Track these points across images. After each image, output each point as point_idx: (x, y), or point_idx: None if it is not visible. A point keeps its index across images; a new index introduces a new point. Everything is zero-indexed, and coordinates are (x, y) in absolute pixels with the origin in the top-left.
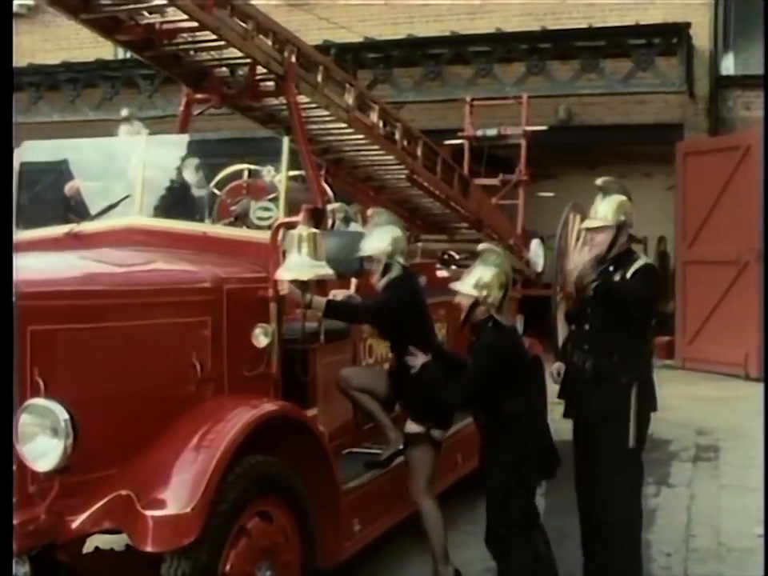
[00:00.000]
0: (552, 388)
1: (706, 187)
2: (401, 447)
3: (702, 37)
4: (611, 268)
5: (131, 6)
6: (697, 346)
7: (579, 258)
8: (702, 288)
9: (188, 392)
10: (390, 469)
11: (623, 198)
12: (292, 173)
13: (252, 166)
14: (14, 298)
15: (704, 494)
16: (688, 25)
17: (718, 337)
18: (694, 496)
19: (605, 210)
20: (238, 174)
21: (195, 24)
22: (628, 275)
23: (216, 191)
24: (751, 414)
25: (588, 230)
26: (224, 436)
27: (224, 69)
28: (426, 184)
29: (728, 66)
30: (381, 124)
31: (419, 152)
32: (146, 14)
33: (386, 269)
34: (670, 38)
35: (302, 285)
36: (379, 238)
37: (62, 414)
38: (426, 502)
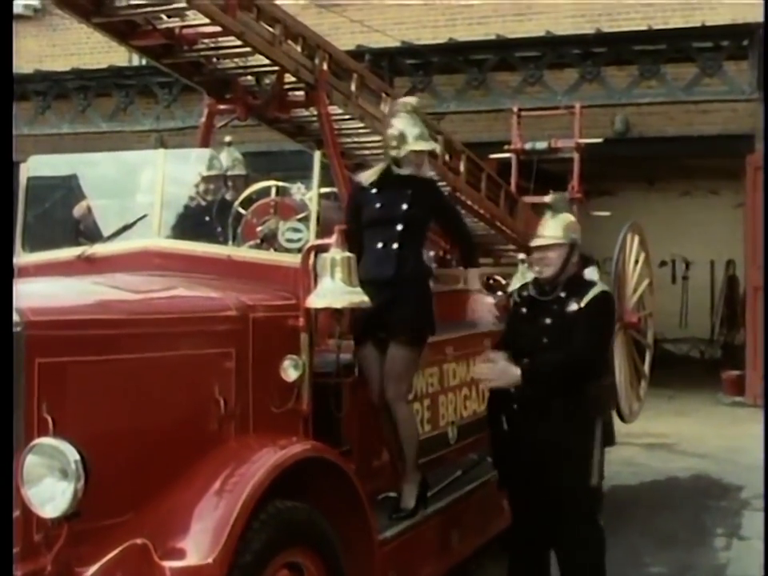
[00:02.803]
0: None
1: None
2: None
3: None
4: (563, 294)
5: (148, 9)
6: None
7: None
8: None
9: (210, 430)
10: (429, 516)
11: (572, 217)
12: (324, 190)
13: (280, 183)
14: (15, 328)
15: (760, 545)
16: (760, 25)
17: None
18: (751, 547)
19: (555, 226)
20: (264, 192)
21: (218, 29)
22: (582, 304)
23: (241, 210)
24: None
25: (537, 248)
26: (249, 479)
27: (249, 77)
28: (469, 202)
29: None
30: None
31: (462, 167)
32: (164, 17)
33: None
34: (740, 39)
35: (336, 313)
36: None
37: (73, 455)
38: (406, 406)
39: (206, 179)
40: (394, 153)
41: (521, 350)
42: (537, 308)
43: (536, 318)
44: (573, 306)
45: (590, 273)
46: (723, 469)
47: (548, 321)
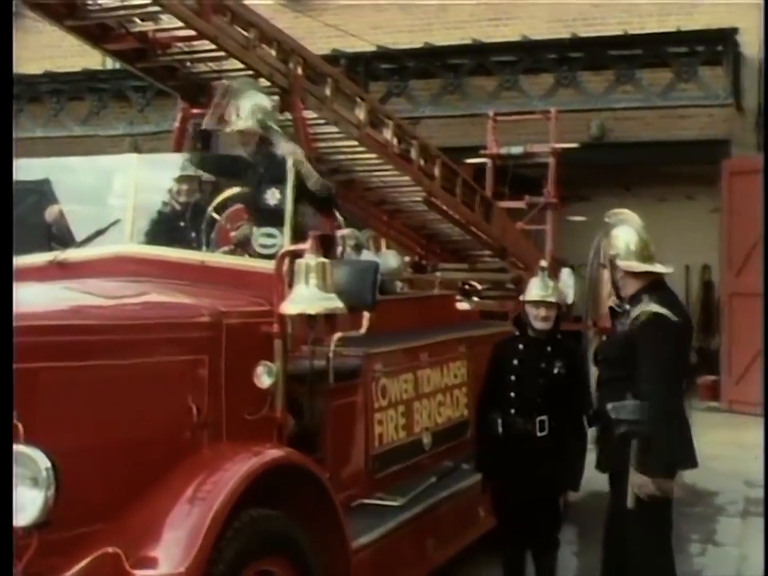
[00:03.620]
0: None
1: (755, 210)
2: None
3: (750, 44)
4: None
5: (122, 13)
6: (744, 387)
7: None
8: (750, 322)
9: (183, 438)
10: (404, 522)
11: None
12: None
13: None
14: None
15: (756, 554)
16: (735, 30)
17: None
18: (746, 557)
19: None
20: (238, 197)
21: (192, 33)
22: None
23: (215, 215)
24: None
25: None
26: (222, 487)
27: (224, 81)
28: (444, 207)
29: None
30: (395, 141)
31: (437, 172)
32: (138, 21)
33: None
34: (715, 45)
35: (310, 319)
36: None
37: (44, 462)
38: None
39: (179, 180)
40: None
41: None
42: None
43: None
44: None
45: (565, 276)
46: (698, 475)
47: None
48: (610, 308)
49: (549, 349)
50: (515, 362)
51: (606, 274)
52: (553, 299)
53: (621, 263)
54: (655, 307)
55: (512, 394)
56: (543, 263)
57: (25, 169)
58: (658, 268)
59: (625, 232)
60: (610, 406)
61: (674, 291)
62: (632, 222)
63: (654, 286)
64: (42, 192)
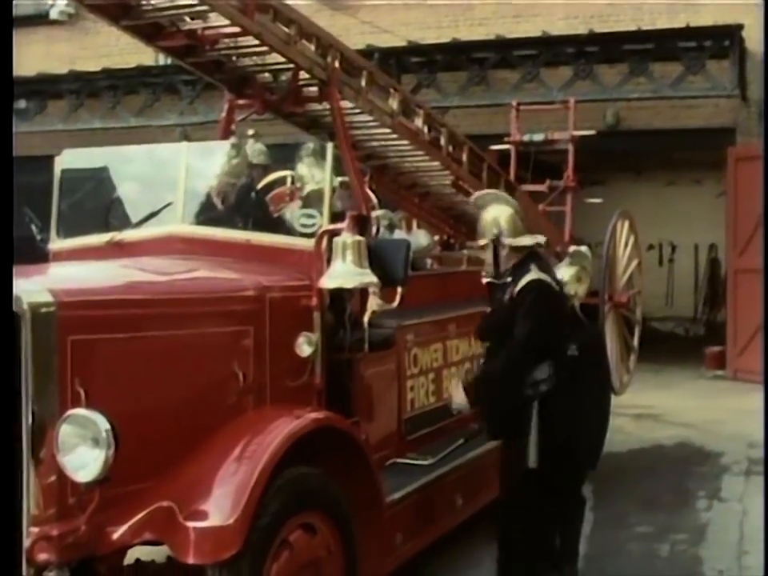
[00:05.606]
0: None
1: (758, 194)
2: None
3: (754, 39)
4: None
5: (172, 12)
6: (748, 357)
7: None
8: (753, 297)
9: (230, 402)
10: (434, 480)
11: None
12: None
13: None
14: (49, 309)
15: (757, 510)
16: (740, 27)
17: None
18: (747, 512)
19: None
20: (281, 181)
21: (237, 29)
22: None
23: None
24: None
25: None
26: (266, 447)
27: (266, 74)
28: (471, 190)
29: None
30: (425, 129)
31: (464, 158)
32: (187, 19)
33: None
34: (722, 40)
35: (346, 293)
36: None
37: (104, 425)
38: None
39: (229, 168)
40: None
41: None
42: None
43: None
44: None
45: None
46: (705, 437)
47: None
48: (488, 282)
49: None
50: None
51: (620, 253)
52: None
53: (505, 240)
54: (534, 274)
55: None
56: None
57: (85, 158)
58: (537, 239)
59: (501, 210)
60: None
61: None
62: (500, 199)
63: (532, 255)
64: (101, 179)
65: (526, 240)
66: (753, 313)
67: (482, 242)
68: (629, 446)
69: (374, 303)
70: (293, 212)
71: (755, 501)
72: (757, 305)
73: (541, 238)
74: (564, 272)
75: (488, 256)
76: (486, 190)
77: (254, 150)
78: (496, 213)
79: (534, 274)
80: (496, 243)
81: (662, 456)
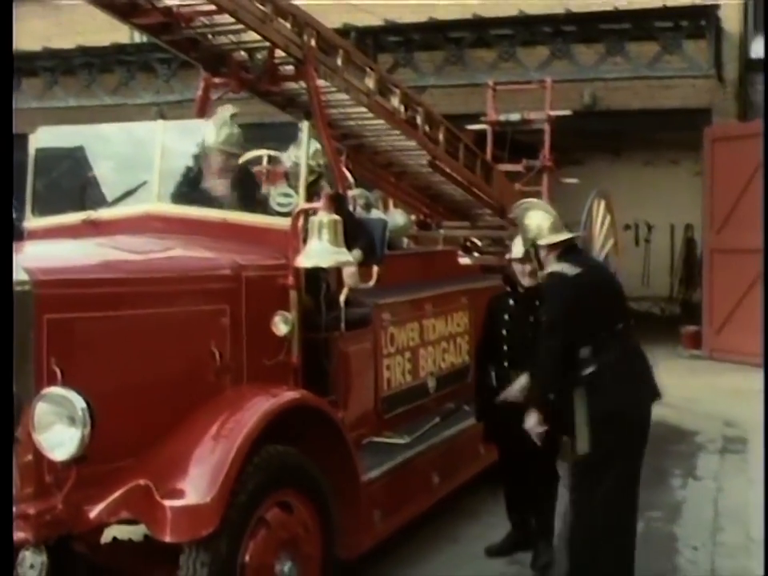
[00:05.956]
0: None
1: (734, 174)
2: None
3: (731, 19)
4: None
5: None
6: (724, 336)
7: None
8: (729, 276)
9: (207, 381)
10: (410, 458)
11: None
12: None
13: (272, 152)
14: (24, 287)
15: (732, 487)
16: (716, 7)
17: (747, 326)
18: (721, 489)
19: None
20: (257, 160)
21: (213, 7)
22: None
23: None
24: None
25: None
26: (243, 426)
27: (242, 53)
28: (447, 170)
29: (758, 49)
30: (402, 109)
31: (441, 137)
32: None
33: None
34: (698, 20)
35: (322, 271)
36: None
37: (79, 403)
38: None
39: (204, 149)
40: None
41: None
42: None
43: None
44: None
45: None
46: (681, 416)
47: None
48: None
49: (537, 303)
50: (506, 316)
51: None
52: None
53: (540, 242)
54: (554, 266)
55: (504, 348)
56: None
57: (60, 136)
58: (566, 234)
59: (534, 216)
60: None
61: (587, 254)
62: (538, 206)
63: (565, 251)
64: (77, 157)
65: (558, 236)
66: (729, 292)
67: (517, 254)
68: None
69: (350, 282)
70: (270, 191)
71: (730, 479)
72: (733, 284)
73: (571, 234)
74: None
75: (524, 267)
76: (520, 201)
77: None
78: (528, 221)
79: (552, 267)
80: (535, 247)
81: None
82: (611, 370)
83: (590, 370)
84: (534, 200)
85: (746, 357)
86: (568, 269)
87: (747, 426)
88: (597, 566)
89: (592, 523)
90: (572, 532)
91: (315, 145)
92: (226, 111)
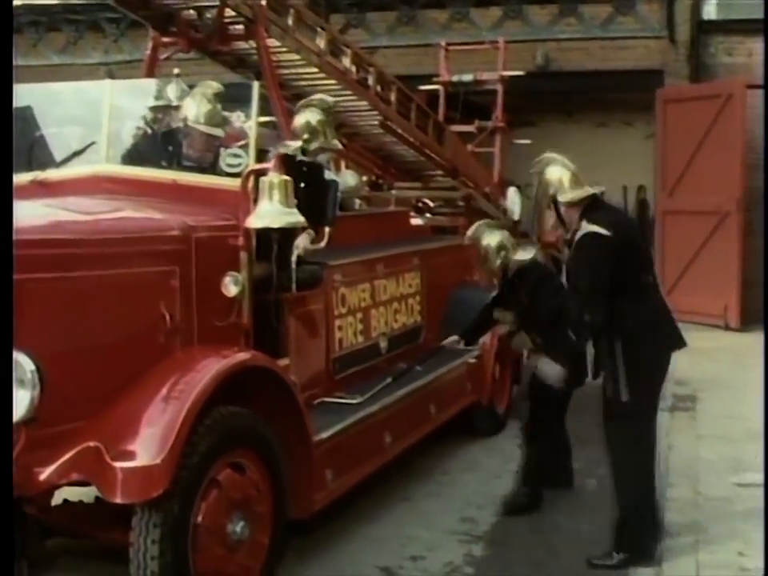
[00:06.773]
0: None
1: (687, 136)
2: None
3: None
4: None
5: None
6: (676, 297)
7: None
8: (681, 238)
9: (157, 343)
10: (362, 419)
11: None
12: (262, 119)
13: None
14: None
15: (682, 444)
16: None
17: (698, 287)
18: (672, 446)
19: None
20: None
21: None
22: None
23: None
24: (729, 364)
25: None
26: (194, 387)
27: (191, 11)
28: (399, 131)
29: (710, 10)
30: (353, 69)
31: (393, 98)
32: None
33: None
34: None
35: (273, 233)
36: None
37: (29, 365)
38: None
39: (153, 109)
40: None
41: None
42: None
43: None
44: None
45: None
46: None
47: None
48: (566, 240)
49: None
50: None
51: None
52: None
53: (560, 198)
54: (586, 227)
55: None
56: None
57: None
58: (588, 191)
59: (554, 171)
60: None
61: (609, 206)
62: (556, 161)
63: (590, 207)
64: (24, 117)
65: (578, 193)
66: (680, 253)
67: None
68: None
69: (301, 243)
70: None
71: (680, 436)
72: (684, 245)
73: (596, 189)
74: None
75: (548, 221)
76: (542, 156)
77: (178, 90)
78: (548, 175)
79: (584, 228)
80: (555, 203)
81: (593, 394)
82: (647, 321)
83: (628, 322)
84: (553, 154)
85: (696, 317)
86: (601, 229)
87: (697, 385)
88: (647, 502)
89: (640, 459)
90: (622, 471)
91: None
92: (207, 88)
